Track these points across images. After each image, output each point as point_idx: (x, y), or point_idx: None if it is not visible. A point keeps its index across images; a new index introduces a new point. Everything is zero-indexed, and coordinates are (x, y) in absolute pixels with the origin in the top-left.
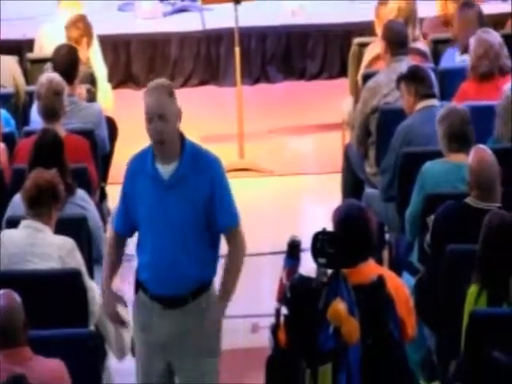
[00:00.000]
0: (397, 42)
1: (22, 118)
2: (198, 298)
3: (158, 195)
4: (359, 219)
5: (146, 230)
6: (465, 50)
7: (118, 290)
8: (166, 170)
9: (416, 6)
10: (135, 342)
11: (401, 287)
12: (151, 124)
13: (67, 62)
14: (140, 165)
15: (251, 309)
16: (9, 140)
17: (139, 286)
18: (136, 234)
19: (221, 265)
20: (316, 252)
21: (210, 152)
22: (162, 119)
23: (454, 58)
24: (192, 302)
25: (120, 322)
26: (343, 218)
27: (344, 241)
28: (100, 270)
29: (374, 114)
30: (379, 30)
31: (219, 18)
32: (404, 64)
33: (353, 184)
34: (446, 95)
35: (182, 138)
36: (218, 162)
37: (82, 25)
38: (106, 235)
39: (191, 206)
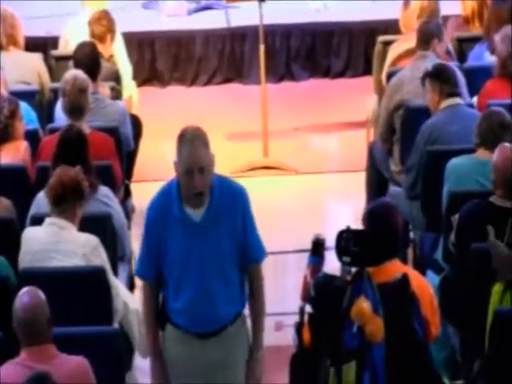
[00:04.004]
0: (421, 39)
1: (47, 115)
2: (233, 323)
3: (191, 238)
4: (387, 218)
5: (177, 274)
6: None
7: None
8: (195, 212)
9: (439, 4)
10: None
11: (425, 286)
12: (190, 177)
13: (90, 60)
14: (164, 208)
15: (275, 307)
16: (33, 137)
17: (167, 323)
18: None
19: None
20: (340, 250)
21: (235, 183)
22: (201, 172)
23: (483, 56)
24: (229, 327)
25: None
26: (371, 216)
27: (372, 239)
28: (124, 267)
29: (397, 110)
30: (404, 29)
31: (244, 15)
32: (428, 62)
33: (377, 182)
34: (471, 93)
35: None
36: (245, 193)
37: (105, 21)
38: (130, 232)
39: (228, 243)
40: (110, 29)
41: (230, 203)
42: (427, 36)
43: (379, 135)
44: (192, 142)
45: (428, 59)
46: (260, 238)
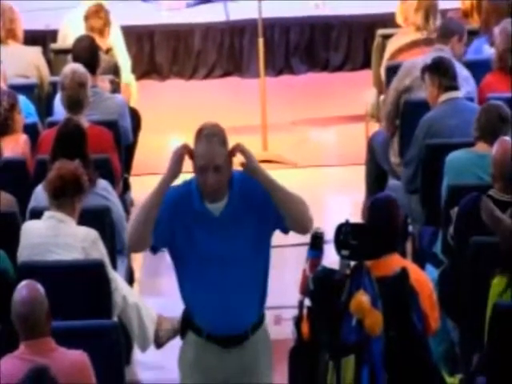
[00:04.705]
0: (442, 33)
1: (46, 108)
2: (256, 331)
3: (210, 234)
4: (388, 212)
5: (194, 270)
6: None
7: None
8: (215, 206)
9: None
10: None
11: (424, 281)
12: (205, 175)
13: (89, 53)
14: (184, 199)
15: (274, 300)
16: (32, 131)
17: (189, 327)
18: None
19: None
20: (339, 244)
21: None
22: (217, 170)
23: (482, 49)
24: (251, 337)
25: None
26: (372, 209)
27: (372, 232)
28: (123, 261)
29: (405, 93)
30: (402, 23)
31: (243, 9)
32: (443, 55)
33: (377, 176)
34: None
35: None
36: None
37: (103, 14)
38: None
39: (247, 239)
40: (108, 21)
41: (252, 190)
42: (449, 31)
43: (385, 114)
44: (209, 139)
45: (443, 53)
46: None
